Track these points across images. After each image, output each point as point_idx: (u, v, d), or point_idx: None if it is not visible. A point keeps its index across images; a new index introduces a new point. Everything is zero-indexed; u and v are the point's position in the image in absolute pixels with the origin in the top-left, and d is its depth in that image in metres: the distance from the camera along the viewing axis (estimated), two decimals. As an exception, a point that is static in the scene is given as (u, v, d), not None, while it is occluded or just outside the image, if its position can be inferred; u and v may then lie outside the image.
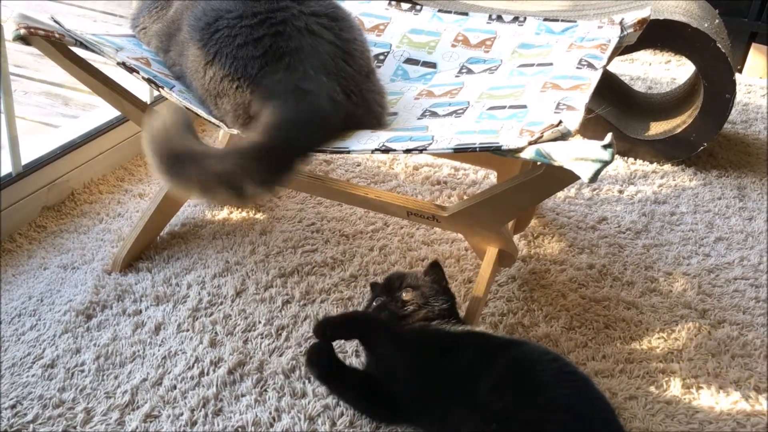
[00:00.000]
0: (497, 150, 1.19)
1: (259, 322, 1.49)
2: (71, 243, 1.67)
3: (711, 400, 1.40)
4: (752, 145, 2.31)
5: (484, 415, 1.14)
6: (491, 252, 1.48)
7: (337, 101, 1.32)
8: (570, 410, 1.13)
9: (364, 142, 1.30)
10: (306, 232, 1.75)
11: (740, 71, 2.82)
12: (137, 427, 1.26)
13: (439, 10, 1.75)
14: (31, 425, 1.25)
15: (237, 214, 1.80)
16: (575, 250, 1.77)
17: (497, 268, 1.52)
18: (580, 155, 1.09)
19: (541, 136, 1.15)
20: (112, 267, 1.59)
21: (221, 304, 1.52)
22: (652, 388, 1.41)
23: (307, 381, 1.37)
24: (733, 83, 2.03)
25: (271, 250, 1.68)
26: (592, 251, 1.77)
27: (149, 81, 1.38)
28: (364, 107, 1.39)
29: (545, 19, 1.67)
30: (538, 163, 1.19)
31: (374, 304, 1.38)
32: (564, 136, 1.15)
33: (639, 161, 2.17)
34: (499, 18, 1.70)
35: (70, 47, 1.38)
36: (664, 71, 2.77)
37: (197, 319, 1.48)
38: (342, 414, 1.31)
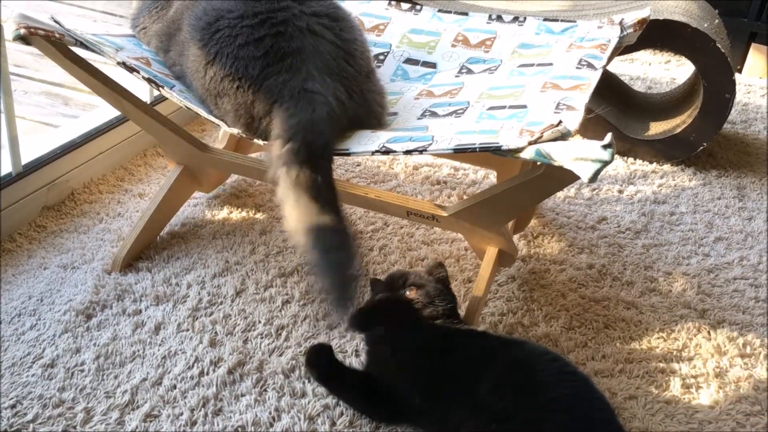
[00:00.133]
0: (497, 150, 1.19)
1: (259, 322, 1.49)
2: (71, 243, 1.67)
3: (711, 400, 1.40)
4: (752, 145, 2.32)
5: (483, 415, 1.14)
6: (491, 252, 1.48)
7: (342, 101, 1.32)
8: (570, 410, 1.13)
9: (364, 144, 1.30)
10: (306, 232, 1.75)
11: (740, 71, 2.82)
12: (137, 427, 1.26)
13: (439, 10, 1.75)
14: (31, 425, 1.25)
15: (237, 214, 1.80)
16: (575, 249, 1.77)
17: (497, 267, 1.52)
18: (579, 155, 1.09)
19: (541, 136, 1.15)
20: (112, 267, 1.59)
21: (221, 303, 1.53)
22: (652, 388, 1.41)
23: (306, 381, 1.37)
24: (733, 83, 2.04)
25: (271, 250, 1.68)
26: (591, 251, 1.77)
27: (149, 81, 1.38)
28: (364, 107, 1.39)
29: (545, 19, 1.67)
30: (538, 163, 1.19)
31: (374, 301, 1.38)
32: (564, 136, 1.15)
33: (639, 161, 2.17)
34: (499, 18, 1.70)
35: (70, 47, 1.38)
36: (663, 71, 2.77)
37: (197, 318, 1.48)
38: (342, 414, 1.31)
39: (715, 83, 2.04)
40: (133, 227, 1.63)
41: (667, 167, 2.16)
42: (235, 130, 1.36)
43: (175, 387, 1.34)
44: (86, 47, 1.37)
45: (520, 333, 1.51)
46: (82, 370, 1.36)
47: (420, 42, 1.70)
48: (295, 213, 1.20)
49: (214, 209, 1.81)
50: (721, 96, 2.05)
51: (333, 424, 1.29)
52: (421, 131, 1.35)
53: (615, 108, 2.24)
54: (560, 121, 1.17)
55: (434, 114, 1.45)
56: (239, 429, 1.27)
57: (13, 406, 1.28)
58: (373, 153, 1.27)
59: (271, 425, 1.28)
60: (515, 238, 1.73)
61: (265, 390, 1.35)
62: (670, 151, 2.15)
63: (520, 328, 1.53)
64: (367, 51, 1.46)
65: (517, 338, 1.48)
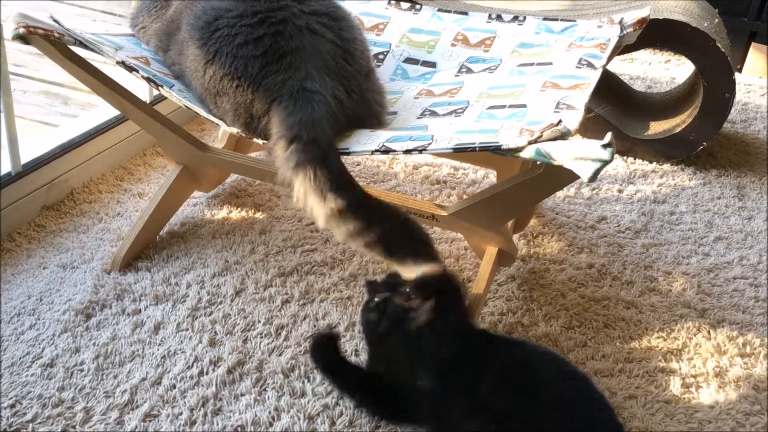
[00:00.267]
0: (497, 149, 1.19)
1: (259, 322, 1.49)
2: (70, 242, 1.67)
3: (710, 399, 1.40)
4: (752, 144, 2.32)
5: (483, 414, 1.14)
6: (491, 251, 1.48)
7: (341, 100, 1.32)
8: (570, 410, 1.13)
9: (363, 143, 1.30)
10: (305, 232, 1.75)
11: (740, 71, 2.82)
12: (136, 427, 1.26)
13: (439, 10, 1.75)
14: (31, 424, 1.25)
15: (236, 214, 1.80)
16: (575, 249, 1.77)
17: (497, 267, 1.52)
18: (579, 154, 1.09)
19: (540, 136, 1.15)
20: (112, 266, 1.59)
21: (220, 303, 1.52)
22: (652, 388, 1.41)
23: (306, 380, 1.37)
24: (733, 83, 2.03)
25: (271, 250, 1.68)
26: (591, 251, 1.77)
27: (149, 80, 1.38)
28: (364, 107, 1.39)
29: (545, 19, 1.67)
30: (538, 162, 1.19)
31: (376, 299, 1.37)
32: (564, 136, 1.15)
33: (638, 161, 2.17)
34: (499, 17, 1.70)
35: (69, 46, 1.38)
36: (663, 71, 2.77)
37: (196, 318, 1.48)
38: (341, 413, 1.31)
39: (714, 83, 2.04)
40: (132, 227, 1.63)
41: (666, 167, 2.16)
42: (235, 130, 1.36)
43: (174, 386, 1.33)
44: (85, 46, 1.37)
45: (519, 332, 1.51)
46: (82, 370, 1.36)
47: (420, 41, 1.70)
48: (323, 210, 1.21)
49: (214, 209, 1.81)
50: (721, 95, 2.05)
51: (333, 423, 1.29)
52: (421, 130, 1.35)
53: (615, 107, 2.24)
54: (560, 121, 1.17)
55: (434, 113, 1.45)
56: (239, 428, 1.27)
57: (12, 406, 1.28)
58: (372, 152, 1.27)
59: (271, 425, 1.28)
60: (515, 237, 1.72)
61: (265, 389, 1.35)
62: (669, 150, 2.15)
63: (519, 327, 1.53)
64: (366, 50, 1.46)
65: (516, 338, 1.47)
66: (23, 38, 1.31)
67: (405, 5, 1.77)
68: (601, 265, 1.72)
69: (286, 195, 1.25)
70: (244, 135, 1.36)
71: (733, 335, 1.55)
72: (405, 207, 1.44)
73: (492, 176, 2.00)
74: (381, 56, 1.68)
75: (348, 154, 1.30)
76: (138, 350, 1.41)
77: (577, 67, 1.47)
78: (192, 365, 1.38)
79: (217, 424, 1.28)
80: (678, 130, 2.12)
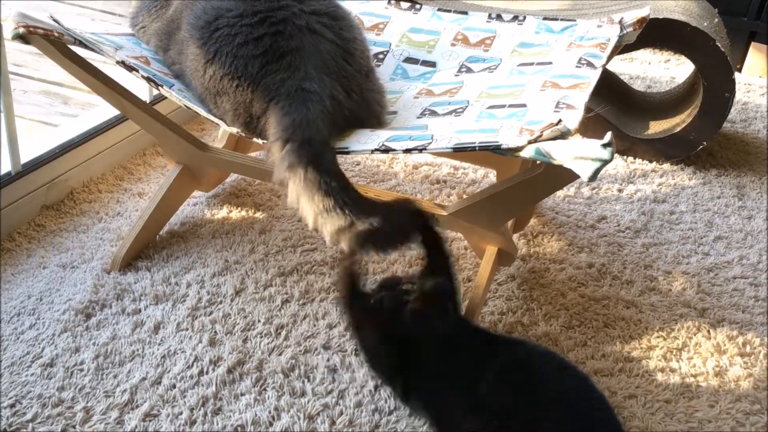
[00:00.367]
0: (497, 149, 1.19)
1: (259, 321, 1.49)
2: (70, 242, 1.67)
3: (710, 398, 1.40)
4: (751, 144, 2.32)
5: (484, 413, 1.14)
6: (491, 251, 1.48)
7: (337, 100, 1.32)
8: (570, 409, 1.13)
9: (363, 142, 1.30)
10: (305, 231, 1.75)
11: (739, 70, 2.82)
12: (136, 426, 1.26)
13: (439, 9, 1.75)
14: (30, 424, 1.25)
15: (236, 213, 1.80)
16: (574, 249, 1.77)
17: (497, 267, 1.52)
18: (579, 154, 1.09)
19: (540, 135, 1.15)
20: (112, 266, 1.59)
21: (220, 303, 1.52)
22: (652, 387, 1.41)
23: (306, 380, 1.37)
24: (733, 82, 2.03)
25: (271, 249, 1.68)
26: (591, 250, 1.77)
27: (148, 79, 1.38)
28: (363, 106, 1.39)
29: (545, 18, 1.67)
30: (538, 161, 1.19)
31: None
32: (563, 135, 1.15)
33: (638, 160, 2.17)
34: (499, 17, 1.70)
35: (69, 46, 1.38)
36: (663, 70, 2.77)
37: (196, 318, 1.48)
38: (341, 413, 1.31)
39: (714, 82, 2.04)
40: (132, 226, 1.63)
41: (666, 166, 2.16)
42: (235, 129, 1.36)
43: (174, 386, 1.34)
44: (85, 46, 1.37)
45: (519, 332, 1.51)
46: (82, 370, 1.36)
47: (419, 41, 1.70)
48: (314, 211, 1.21)
49: (214, 208, 1.81)
50: (721, 95, 2.05)
51: (332, 423, 1.29)
52: (421, 130, 1.35)
53: (614, 107, 2.24)
54: (560, 120, 1.17)
55: (434, 113, 1.45)
56: (239, 428, 1.27)
57: (12, 406, 1.28)
58: (372, 151, 1.27)
59: (271, 424, 1.28)
60: (515, 237, 1.72)
61: (265, 389, 1.35)
62: (669, 150, 2.15)
63: (519, 327, 1.53)
64: (366, 50, 1.46)
65: (516, 337, 1.47)
66: (23, 38, 1.31)
67: (405, 5, 1.77)
68: (601, 265, 1.72)
69: (285, 195, 1.25)
70: (243, 135, 1.36)
71: (732, 335, 1.55)
72: (405, 206, 1.43)
73: (492, 176, 2.01)
74: (381, 56, 1.68)
75: (348, 153, 1.30)
76: (138, 350, 1.41)
77: (576, 66, 1.47)
78: (192, 365, 1.38)
79: (217, 424, 1.28)
80: (678, 129, 2.12)
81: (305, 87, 1.29)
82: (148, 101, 1.94)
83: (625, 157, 2.18)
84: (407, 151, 1.25)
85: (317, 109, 1.28)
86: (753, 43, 2.80)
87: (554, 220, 1.87)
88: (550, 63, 1.53)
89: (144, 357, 1.39)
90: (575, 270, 1.70)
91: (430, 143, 1.25)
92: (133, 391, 1.32)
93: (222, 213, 1.79)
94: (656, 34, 1.98)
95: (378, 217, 1.20)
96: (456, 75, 1.60)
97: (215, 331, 1.46)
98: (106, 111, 1.92)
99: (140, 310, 1.49)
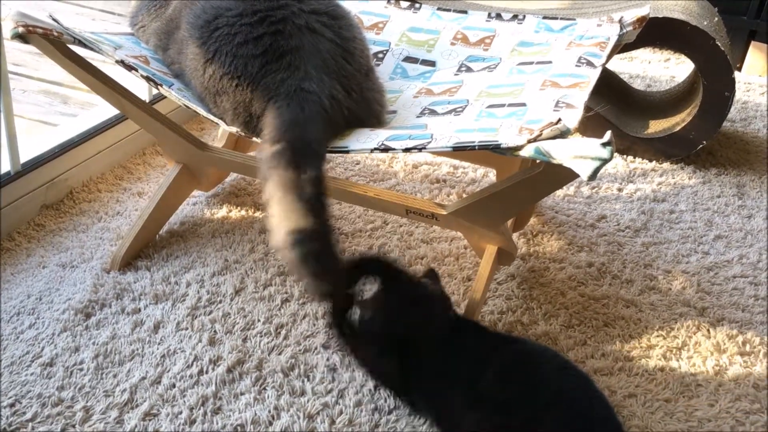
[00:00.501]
0: (496, 148, 1.19)
1: (258, 321, 1.49)
2: (70, 241, 1.67)
3: (710, 397, 1.40)
4: (751, 143, 2.32)
5: (483, 412, 1.14)
6: (490, 250, 1.48)
7: (337, 99, 1.32)
8: (569, 408, 1.13)
9: (363, 141, 1.30)
10: (305, 231, 1.75)
11: (739, 69, 2.82)
12: (136, 426, 1.26)
13: (438, 8, 1.75)
14: (30, 424, 1.25)
15: (236, 213, 1.80)
16: (574, 248, 1.77)
17: (496, 266, 1.52)
18: (579, 153, 1.09)
19: (540, 134, 1.15)
20: (111, 265, 1.59)
21: (220, 302, 1.52)
22: (652, 386, 1.41)
23: (306, 379, 1.37)
24: (733, 81, 2.03)
25: (271, 249, 1.68)
26: (591, 249, 1.77)
27: (148, 79, 1.38)
28: (363, 106, 1.39)
29: (544, 17, 1.67)
30: (537, 161, 1.19)
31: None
32: (563, 134, 1.15)
33: (638, 159, 2.17)
34: (499, 16, 1.70)
35: (68, 45, 1.38)
36: (663, 69, 2.77)
37: (196, 317, 1.48)
38: (341, 412, 1.31)
39: (714, 81, 2.04)
40: (132, 226, 1.63)
41: (666, 165, 2.16)
42: (234, 129, 1.36)
43: (174, 386, 1.33)
44: (85, 45, 1.37)
45: (519, 331, 1.51)
46: (81, 369, 1.36)
47: (419, 40, 1.70)
48: (279, 213, 1.19)
49: (213, 208, 1.81)
50: (721, 94, 2.05)
51: (332, 422, 1.29)
52: (420, 129, 1.35)
53: (614, 106, 2.24)
54: (559, 119, 1.17)
55: (433, 112, 1.45)
56: (238, 427, 1.27)
57: (12, 405, 1.28)
58: (372, 150, 1.27)
59: (271, 424, 1.28)
60: (515, 236, 1.72)
61: (265, 388, 1.35)
62: (669, 149, 2.15)
63: (519, 326, 1.53)
64: (366, 49, 1.46)
65: (516, 336, 1.47)
66: (22, 37, 1.31)
67: (404, 4, 1.77)
68: (601, 264, 1.72)
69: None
70: (243, 134, 1.36)
71: (732, 334, 1.55)
72: (405, 206, 1.44)
73: (492, 175, 2.00)
74: (380, 55, 1.68)
75: (347, 152, 1.30)
76: (138, 349, 1.41)
77: (576, 65, 1.47)
78: (192, 364, 1.38)
79: (217, 423, 1.28)
80: (678, 128, 2.12)
81: (304, 87, 1.29)
82: (147, 101, 1.94)
83: (624, 156, 2.18)
84: (407, 150, 1.25)
85: (313, 109, 1.27)
86: (753, 42, 2.80)
87: (554, 219, 1.87)
88: (550, 62, 1.53)
89: (144, 356, 1.39)
90: (575, 269, 1.70)
91: (430, 142, 1.25)
92: (133, 391, 1.32)
93: (222, 212, 1.79)
94: (656, 33, 1.98)
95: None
96: (455, 74, 1.60)
97: (215, 331, 1.45)
98: (105, 110, 1.92)
99: (140, 310, 1.49)
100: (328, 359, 1.41)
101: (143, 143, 2.01)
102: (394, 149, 1.25)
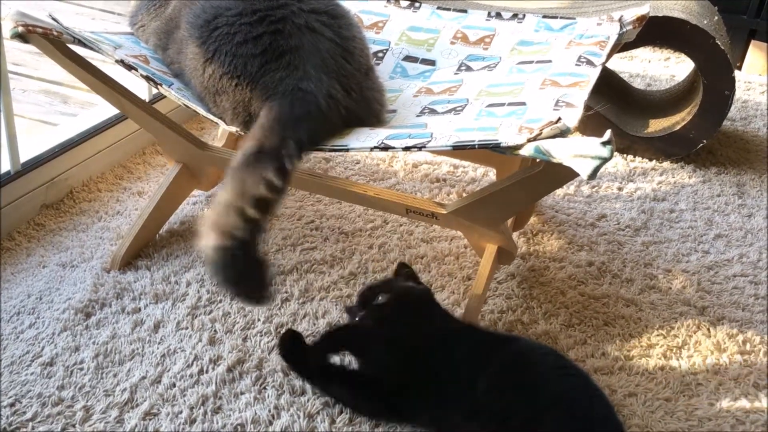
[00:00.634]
0: (496, 147, 1.19)
1: (258, 320, 1.49)
2: (70, 241, 1.67)
3: (710, 396, 1.40)
4: (751, 142, 2.31)
5: (482, 412, 1.14)
6: (490, 249, 1.48)
7: (336, 99, 1.32)
8: (570, 407, 1.13)
9: (362, 140, 1.30)
10: (305, 230, 1.75)
11: (739, 68, 2.82)
12: (136, 425, 1.26)
13: (438, 8, 1.75)
14: (30, 423, 1.25)
15: (236, 212, 1.79)
16: (574, 247, 1.77)
17: (496, 265, 1.52)
18: (579, 152, 1.09)
19: (540, 133, 1.15)
20: (111, 265, 1.59)
21: (220, 302, 1.52)
22: (652, 385, 1.41)
23: (306, 379, 1.36)
24: (733, 80, 2.03)
25: (270, 248, 1.68)
26: (591, 248, 1.77)
27: (147, 78, 1.38)
28: (363, 105, 1.39)
29: (544, 16, 1.67)
30: (537, 160, 1.19)
31: (357, 320, 1.37)
32: (563, 133, 1.15)
33: (638, 158, 2.17)
34: (498, 15, 1.70)
35: (68, 45, 1.38)
36: (663, 68, 2.77)
37: (196, 317, 1.48)
38: (341, 412, 1.31)
39: (714, 80, 2.04)
40: (132, 225, 1.63)
41: (666, 164, 2.16)
42: (234, 128, 1.36)
43: (174, 385, 1.33)
44: (84, 45, 1.37)
45: (519, 330, 1.51)
46: (81, 369, 1.36)
47: (419, 39, 1.70)
48: (224, 201, 1.19)
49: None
50: (721, 93, 2.05)
51: (332, 422, 1.29)
52: (420, 128, 1.35)
53: (614, 105, 2.24)
54: (559, 118, 1.17)
55: (433, 111, 1.45)
56: (238, 427, 1.27)
57: (12, 405, 1.28)
58: (371, 149, 1.27)
59: (271, 423, 1.28)
60: (515, 235, 1.72)
61: (265, 388, 1.35)
62: (669, 148, 2.15)
63: (519, 325, 1.53)
64: (366, 48, 1.46)
65: (515, 335, 1.47)
66: (22, 37, 1.31)
67: (404, 3, 1.77)
68: (601, 263, 1.72)
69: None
70: (243, 133, 1.35)
71: (732, 333, 1.55)
72: (404, 205, 1.43)
73: (491, 174, 2.00)
74: (380, 54, 1.68)
75: (347, 150, 1.30)
76: (138, 349, 1.41)
77: (576, 64, 1.47)
78: (192, 364, 1.38)
79: (217, 423, 1.28)
80: (678, 127, 2.12)
81: (302, 86, 1.29)
82: (147, 100, 1.94)
83: (624, 155, 2.18)
84: (406, 149, 1.25)
85: (304, 108, 1.27)
86: (753, 41, 2.80)
87: (554, 219, 1.87)
88: (550, 61, 1.53)
89: (144, 356, 1.39)
90: (575, 268, 1.70)
91: (430, 141, 1.25)
92: (133, 390, 1.32)
93: (222, 212, 1.79)
94: (656, 32, 1.98)
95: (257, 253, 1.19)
96: (455, 73, 1.60)
97: (215, 330, 1.45)
98: (105, 110, 1.92)
99: (140, 309, 1.49)
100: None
101: (143, 143, 2.01)
102: (393, 148, 1.25)
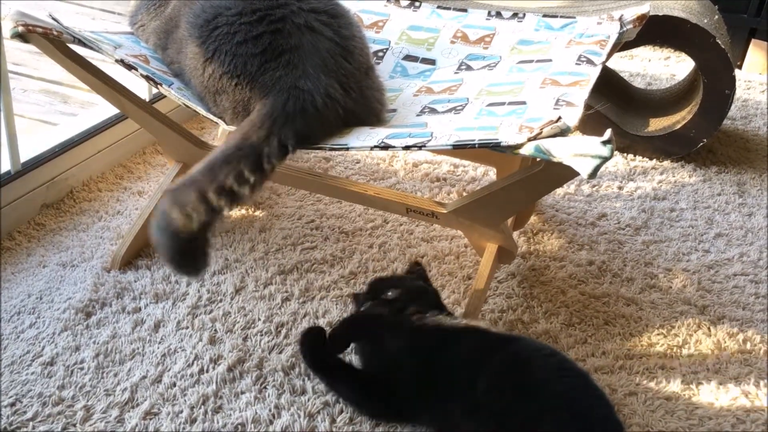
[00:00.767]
0: (496, 146, 1.19)
1: (259, 320, 1.49)
2: (70, 241, 1.67)
3: (711, 396, 1.40)
4: (752, 141, 2.31)
5: (483, 412, 1.14)
6: (491, 249, 1.48)
7: (334, 98, 1.32)
8: (570, 407, 1.13)
9: (362, 139, 1.30)
10: (305, 230, 1.75)
11: (740, 67, 2.82)
12: (137, 425, 1.26)
13: (438, 7, 1.75)
14: (31, 423, 1.25)
15: (236, 212, 1.80)
16: (575, 246, 1.77)
17: (497, 264, 1.52)
18: (579, 151, 1.09)
19: (540, 132, 1.15)
20: (112, 265, 1.59)
21: (221, 301, 1.52)
22: (652, 384, 1.41)
23: (306, 378, 1.37)
24: (733, 79, 2.03)
25: (271, 248, 1.68)
26: (591, 248, 1.77)
27: (147, 78, 1.38)
28: (363, 104, 1.39)
29: (544, 16, 1.67)
30: (538, 159, 1.19)
31: (361, 310, 1.38)
32: (563, 132, 1.15)
33: (638, 157, 2.17)
34: (498, 14, 1.70)
35: (68, 44, 1.38)
36: (663, 67, 2.76)
37: (197, 316, 1.48)
38: (341, 411, 1.31)
39: (715, 79, 2.04)
40: (132, 225, 1.63)
41: (666, 163, 2.16)
42: (234, 128, 1.36)
43: (174, 385, 1.33)
44: (84, 45, 1.37)
45: (520, 330, 1.51)
46: (82, 368, 1.36)
47: (419, 39, 1.70)
48: (189, 177, 1.22)
49: (214, 207, 1.80)
50: (721, 92, 2.05)
51: (333, 421, 1.29)
52: (420, 127, 1.35)
53: (614, 104, 2.24)
54: (559, 118, 1.17)
55: (433, 110, 1.45)
56: (239, 426, 1.27)
57: (12, 404, 1.28)
58: (371, 148, 1.27)
59: (271, 422, 1.28)
60: (515, 234, 1.72)
61: (265, 387, 1.35)
62: (669, 147, 2.15)
63: (520, 324, 1.53)
64: (366, 48, 1.46)
65: (515, 334, 1.47)
66: (22, 36, 1.31)
67: (404, 2, 1.77)
68: (602, 262, 1.72)
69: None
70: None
71: (733, 332, 1.55)
72: (405, 204, 1.43)
73: (492, 173, 2.00)
74: (380, 54, 1.68)
75: (347, 149, 1.30)
76: (138, 348, 1.41)
77: (576, 63, 1.46)
78: (192, 363, 1.38)
79: (218, 422, 1.28)
80: (678, 126, 2.12)
81: (299, 85, 1.29)
82: (147, 100, 1.94)
83: (625, 154, 2.18)
84: (406, 148, 1.25)
85: (297, 106, 1.27)
86: (753, 40, 2.80)
87: (554, 218, 1.87)
88: (550, 60, 1.52)
89: (144, 355, 1.39)
90: (575, 267, 1.70)
91: (430, 140, 1.25)
92: (134, 390, 1.32)
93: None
94: (656, 31, 1.98)
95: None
96: (455, 72, 1.60)
97: (215, 330, 1.45)
98: (105, 110, 1.92)
99: (140, 309, 1.49)
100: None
101: (143, 142, 2.01)
102: (394, 147, 1.25)
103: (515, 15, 1.69)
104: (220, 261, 1.62)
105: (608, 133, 1.08)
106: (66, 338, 1.41)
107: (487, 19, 1.70)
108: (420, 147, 1.24)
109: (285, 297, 1.55)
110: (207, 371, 1.36)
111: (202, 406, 1.30)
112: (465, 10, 1.73)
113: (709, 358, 1.48)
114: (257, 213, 1.80)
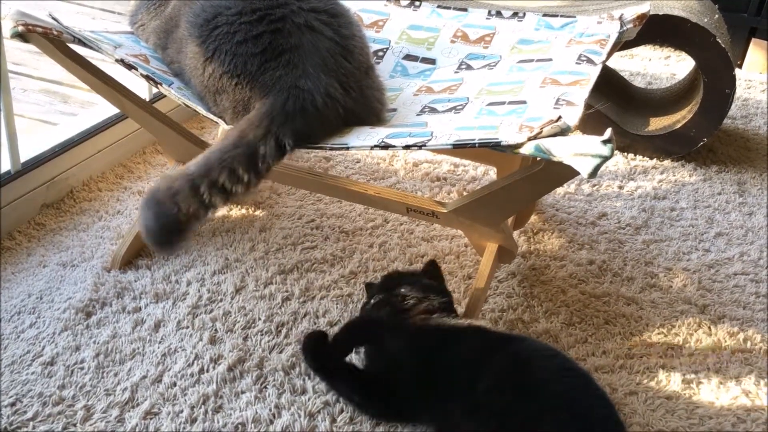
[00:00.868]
0: (496, 145, 1.19)
1: (259, 319, 1.49)
2: (70, 241, 1.67)
3: (711, 395, 1.40)
4: (752, 140, 2.31)
5: (483, 411, 1.14)
6: (491, 248, 1.48)
7: (334, 97, 1.32)
8: (570, 406, 1.13)
9: (363, 139, 1.30)
10: (305, 229, 1.75)
11: (740, 66, 2.82)
12: (137, 425, 1.26)
13: (438, 6, 1.75)
14: (31, 423, 1.25)
15: (236, 212, 1.80)
16: (575, 246, 1.77)
17: (497, 264, 1.52)
18: (579, 151, 1.09)
19: (540, 132, 1.15)
20: (112, 264, 1.59)
21: (221, 301, 1.52)
22: (653, 384, 1.41)
23: (307, 378, 1.37)
24: (733, 78, 2.03)
25: (271, 247, 1.68)
26: (592, 247, 1.77)
27: (147, 78, 1.38)
28: (363, 104, 1.39)
29: (544, 15, 1.67)
30: (538, 158, 1.19)
31: (372, 301, 1.38)
32: (563, 132, 1.15)
33: (639, 157, 2.17)
34: (499, 14, 1.70)
35: (68, 44, 1.38)
36: (663, 67, 2.76)
37: (197, 316, 1.48)
38: (342, 410, 1.31)
39: (715, 78, 2.04)
40: (132, 225, 1.63)
41: (667, 163, 2.15)
42: (234, 127, 1.36)
43: (175, 384, 1.33)
44: (84, 44, 1.37)
45: (520, 329, 1.51)
46: (82, 368, 1.36)
47: (419, 38, 1.70)
48: (186, 168, 1.23)
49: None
50: (722, 91, 2.05)
51: (333, 421, 1.29)
52: (421, 127, 1.35)
53: (615, 104, 2.24)
54: (560, 117, 1.17)
55: (433, 110, 1.45)
56: (239, 426, 1.27)
57: (12, 404, 1.28)
58: (372, 148, 1.27)
59: (272, 422, 1.28)
60: (515, 234, 1.72)
61: (266, 387, 1.35)
62: (670, 146, 2.15)
63: (520, 324, 1.53)
64: (366, 47, 1.45)
65: (516, 334, 1.47)
66: (22, 36, 1.31)
67: (404, 2, 1.77)
68: (602, 262, 1.72)
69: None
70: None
71: (733, 331, 1.55)
72: (405, 204, 1.43)
73: (492, 173, 2.00)
74: (380, 53, 1.68)
75: (347, 149, 1.30)
76: (138, 348, 1.41)
77: (576, 63, 1.46)
78: (192, 363, 1.38)
79: (218, 422, 1.28)
80: (678, 126, 2.12)
81: (299, 84, 1.29)
82: (147, 99, 1.94)
83: (625, 153, 2.18)
84: (407, 147, 1.24)
85: (296, 105, 1.27)
86: (753, 40, 2.80)
87: (554, 217, 1.87)
88: (550, 60, 1.52)
89: (144, 355, 1.39)
90: (576, 267, 1.70)
91: (430, 140, 1.25)
92: (134, 390, 1.32)
93: (222, 211, 1.79)
94: (656, 30, 1.98)
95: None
96: (456, 72, 1.60)
97: (216, 329, 1.45)
98: (105, 109, 1.92)
99: (140, 309, 1.49)
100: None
101: (143, 142, 2.01)
102: (394, 146, 1.25)
103: (515, 14, 1.69)
104: (220, 260, 1.62)
105: (608, 132, 1.08)
106: (66, 338, 1.41)
107: (487, 18, 1.70)
108: (420, 146, 1.24)
109: (285, 296, 1.55)
110: (207, 371, 1.36)
111: (203, 406, 1.30)
112: (465, 10, 1.73)
113: (710, 358, 1.48)
114: (257, 212, 1.80)
